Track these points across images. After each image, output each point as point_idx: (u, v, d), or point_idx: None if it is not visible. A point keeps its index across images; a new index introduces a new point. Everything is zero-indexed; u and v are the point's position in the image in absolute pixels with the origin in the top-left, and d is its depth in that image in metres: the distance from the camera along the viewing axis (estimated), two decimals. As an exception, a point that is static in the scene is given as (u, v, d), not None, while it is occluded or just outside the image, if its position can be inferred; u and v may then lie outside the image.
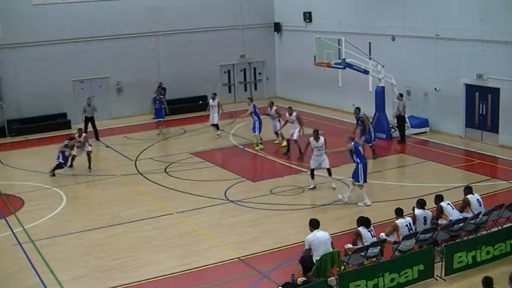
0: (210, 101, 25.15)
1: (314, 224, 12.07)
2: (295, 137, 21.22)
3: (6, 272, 13.41)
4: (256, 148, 22.57)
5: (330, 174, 17.87)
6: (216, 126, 24.85)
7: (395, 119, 23.28)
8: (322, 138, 17.67)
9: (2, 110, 27.21)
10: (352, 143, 16.52)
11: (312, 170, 17.87)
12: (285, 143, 22.50)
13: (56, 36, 28.04)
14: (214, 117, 24.68)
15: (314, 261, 11.71)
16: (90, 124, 25.05)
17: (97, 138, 25.11)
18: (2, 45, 26.87)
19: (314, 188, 17.90)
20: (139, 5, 29.66)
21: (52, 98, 28.14)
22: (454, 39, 22.86)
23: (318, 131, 17.99)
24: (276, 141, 23.09)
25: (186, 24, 30.67)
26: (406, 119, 23.51)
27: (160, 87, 29.38)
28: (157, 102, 26.19)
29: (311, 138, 17.78)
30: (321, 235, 11.87)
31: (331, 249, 11.82)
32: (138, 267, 13.28)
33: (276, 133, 23.09)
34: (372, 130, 20.96)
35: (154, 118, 26.67)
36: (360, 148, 16.72)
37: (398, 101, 23.08)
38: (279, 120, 22.76)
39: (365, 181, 16.49)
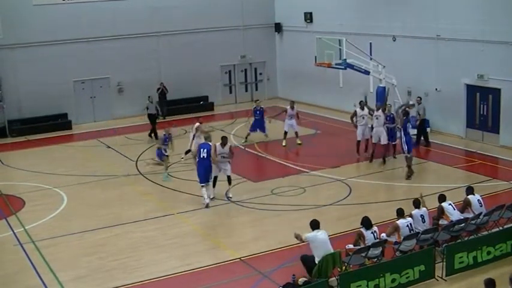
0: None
1: (314, 225, 12.10)
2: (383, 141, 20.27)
3: (7, 273, 13.42)
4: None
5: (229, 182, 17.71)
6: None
7: (417, 123, 22.32)
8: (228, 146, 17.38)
9: (2, 110, 27.22)
10: None
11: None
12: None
13: (57, 36, 28.05)
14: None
15: (316, 262, 11.72)
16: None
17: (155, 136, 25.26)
18: (3, 46, 26.87)
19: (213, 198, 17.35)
20: (140, 5, 29.67)
21: (53, 99, 28.16)
22: (454, 39, 22.86)
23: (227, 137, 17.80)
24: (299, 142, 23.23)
25: (187, 25, 30.70)
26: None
27: (162, 87, 29.42)
28: None
29: (218, 144, 17.20)
30: (320, 235, 11.89)
31: (332, 250, 11.83)
32: (139, 268, 13.29)
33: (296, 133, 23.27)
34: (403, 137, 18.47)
35: None
36: None
37: (417, 104, 22.42)
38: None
39: None
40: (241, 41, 32.48)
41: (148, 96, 25.75)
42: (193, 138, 20.81)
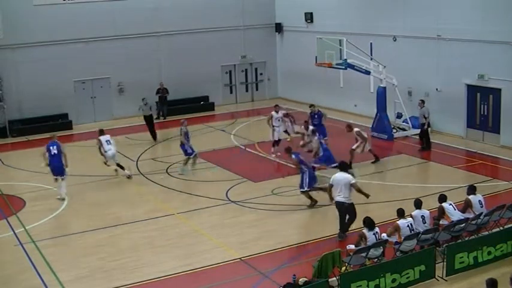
0: None
1: (342, 167, 14.18)
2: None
3: (7, 273, 13.43)
4: None
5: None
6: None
7: (423, 127, 21.73)
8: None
9: (3, 111, 27.25)
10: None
11: None
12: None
13: (57, 36, 28.07)
14: None
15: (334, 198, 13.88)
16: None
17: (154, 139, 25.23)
18: (3, 46, 26.88)
19: None
20: (140, 5, 29.67)
21: (53, 99, 28.18)
22: (455, 39, 22.85)
23: None
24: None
25: (187, 25, 30.70)
26: (408, 120, 23.44)
27: (161, 88, 29.42)
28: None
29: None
30: (341, 176, 13.89)
31: (348, 193, 13.75)
32: (140, 268, 13.29)
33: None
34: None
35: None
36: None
37: (420, 107, 21.84)
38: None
39: None
40: (242, 41, 32.48)
41: (143, 99, 25.55)
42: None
